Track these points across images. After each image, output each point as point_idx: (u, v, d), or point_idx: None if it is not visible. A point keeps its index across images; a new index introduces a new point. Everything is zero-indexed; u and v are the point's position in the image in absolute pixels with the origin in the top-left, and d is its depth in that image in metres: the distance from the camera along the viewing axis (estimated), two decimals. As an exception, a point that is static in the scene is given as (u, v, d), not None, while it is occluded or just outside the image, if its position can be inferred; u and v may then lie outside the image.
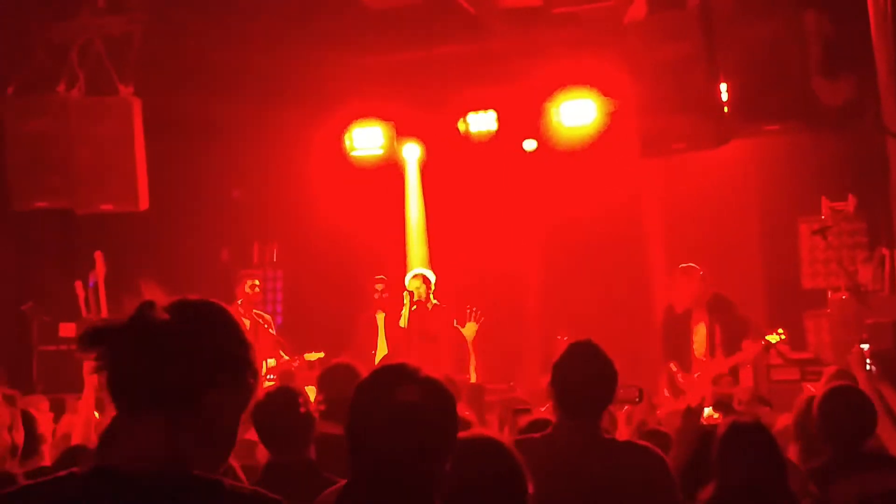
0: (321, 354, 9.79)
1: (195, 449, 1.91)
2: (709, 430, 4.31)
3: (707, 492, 4.00)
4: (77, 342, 1.91)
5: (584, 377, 3.84)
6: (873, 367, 7.58)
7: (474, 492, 2.73)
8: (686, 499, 4.11)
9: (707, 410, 5.22)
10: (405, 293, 9.70)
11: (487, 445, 2.85)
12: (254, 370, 1.98)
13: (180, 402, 1.89)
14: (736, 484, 3.92)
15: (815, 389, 6.80)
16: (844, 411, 4.43)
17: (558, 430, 3.87)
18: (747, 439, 3.98)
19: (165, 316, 1.90)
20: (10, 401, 4.22)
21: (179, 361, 1.88)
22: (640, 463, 3.80)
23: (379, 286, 10.11)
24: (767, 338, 8.66)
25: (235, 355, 1.96)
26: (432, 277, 9.89)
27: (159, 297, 1.95)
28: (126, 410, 1.91)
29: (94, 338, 1.90)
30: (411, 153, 11.60)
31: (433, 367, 8.29)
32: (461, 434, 2.88)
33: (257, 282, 10.16)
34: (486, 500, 2.75)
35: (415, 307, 9.63)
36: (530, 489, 2.84)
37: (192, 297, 2.00)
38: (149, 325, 1.90)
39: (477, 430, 3.04)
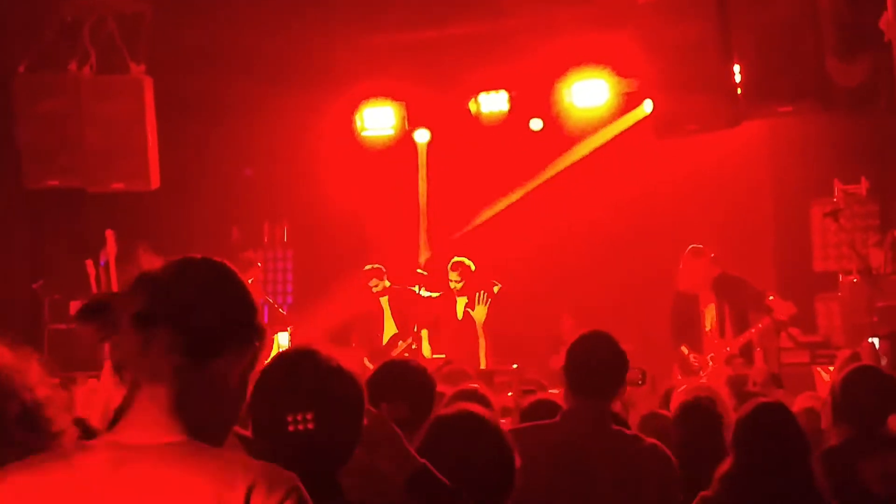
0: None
1: (205, 416, 1.89)
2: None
3: (723, 469, 4.01)
4: (76, 315, 1.87)
5: (596, 358, 3.97)
6: (885, 359, 7.55)
7: (461, 467, 2.74)
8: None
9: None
10: (451, 281, 9.56)
11: (474, 422, 2.86)
12: (260, 333, 1.95)
13: (188, 371, 1.85)
14: (756, 462, 3.93)
15: (825, 374, 6.81)
16: (867, 391, 4.44)
17: (567, 416, 3.96)
18: (772, 420, 4.00)
19: (167, 285, 1.87)
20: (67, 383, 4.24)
21: (184, 331, 1.85)
22: (645, 459, 3.87)
23: (373, 281, 10.02)
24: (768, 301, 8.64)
25: (242, 320, 1.93)
26: (472, 267, 9.68)
27: (158, 263, 1.92)
28: (132, 381, 1.88)
29: (93, 310, 1.87)
30: (422, 133, 11.57)
31: (454, 351, 8.17)
32: (446, 410, 2.90)
33: (259, 263, 10.27)
34: (473, 476, 2.76)
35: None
36: (517, 463, 2.86)
37: (195, 255, 1.95)
38: (151, 295, 1.87)
39: (463, 406, 3.05)
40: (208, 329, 1.88)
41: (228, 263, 1.98)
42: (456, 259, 9.71)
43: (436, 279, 9.87)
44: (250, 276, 10.02)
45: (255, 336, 1.94)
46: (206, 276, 1.93)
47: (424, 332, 9.58)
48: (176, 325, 1.85)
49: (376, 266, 10.11)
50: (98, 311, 1.88)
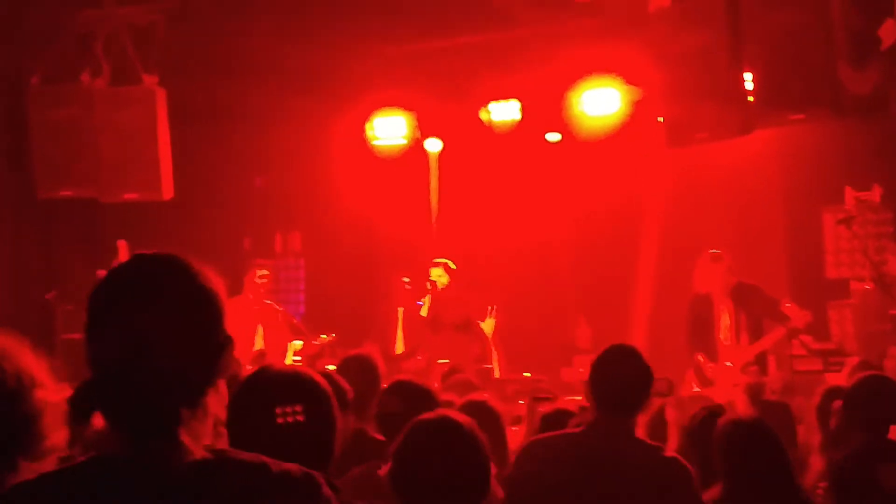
0: (329, 336, 9.89)
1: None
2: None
3: (714, 492, 4.00)
4: (71, 417, 1.84)
5: (622, 375, 3.96)
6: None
7: (437, 471, 2.79)
8: None
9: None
10: (427, 282, 9.70)
11: (448, 426, 2.90)
12: (229, 336, 1.89)
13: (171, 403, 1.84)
14: (741, 482, 3.91)
15: (838, 380, 6.78)
16: (878, 399, 4.43)
17: (592, 427, 3.96)
18: (748, 437, 3.98)
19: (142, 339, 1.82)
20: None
21: (165, 370, 1.83)
22: (666, 469, 3.87)
23: (406, 278, 10.07)
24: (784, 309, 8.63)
25: (212, 330, 1.87)
26: (453, 266, 9.88)
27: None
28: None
29: (88, 403, 1.84)
30: (433, 142, 11.58)
31: (454, 355, 8.30)
32: (426, 415, 2.94)
33: (265, 272, 10.21)
34: (449, 480, 2.78)
35: (429, 297, 9.63)
36: (493, 470, 2.89)
37: (147, 255, 1.90)
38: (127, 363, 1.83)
39: (440, 412, 3.08)
40: (188, 353, 1.85)
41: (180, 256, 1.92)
42: (438, 260, 9.83)
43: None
44: (247, 288, 10.04)
45: (226, 339, 1.90)
46: (169, 287, 1.87)
47: None
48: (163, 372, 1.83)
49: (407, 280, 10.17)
50: (93, 403, 1.85)
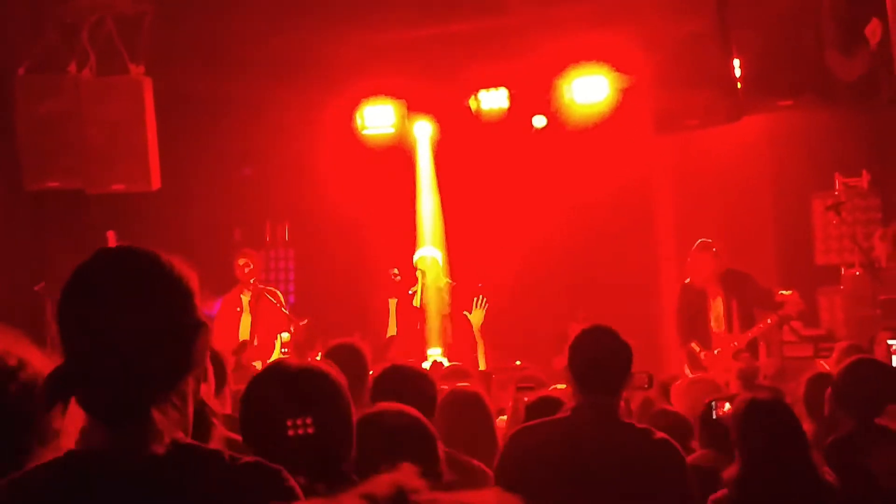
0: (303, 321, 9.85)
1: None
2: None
3: (731, 471, 4.00)
4: (44, 401, 1.84)
5: (600, 353, 3.93)
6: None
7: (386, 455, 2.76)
8: None
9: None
10: (418, 272, 9.68)
11: (395, 417, 2.91)
12: (200, 321, 1.90)
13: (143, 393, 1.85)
14: (759, 461, 3.91)
15: (827, 366, 6.81)
16: (867, 382, 4.44)
17: (577, 411, 3.93)
18: (767, 415, 3.98)
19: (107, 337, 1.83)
20: None
21: (136, 368, 1.83)
22: (656, 452, 3.85)
23: (395, 269, 10.05)
24: (782, 293, 8.65)
25: (180, 317, 1.88)
26: (440, 256, 9.86)
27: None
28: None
29: (61, 390, 1.84)
30: (422, 131, 11.53)
31: (441, 344, 8.24)
32: (368, 409, 2.92)
33: (244, 259, 10.16)
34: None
35: (422, 286, 9.62)
36: (440, 449, 2.88)
37: (111, 248, 1.92)
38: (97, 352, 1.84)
39: (390, 404, 3.07)
40: (161, 348, 1.86)
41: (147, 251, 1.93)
42: (423, 249, 9.88)
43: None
44: (243, 264, 10.01)
45: (200, 329, 1.90)
46: (138, 283, 1.88)
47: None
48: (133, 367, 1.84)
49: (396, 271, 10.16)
50: (67, 389, 1.85)
